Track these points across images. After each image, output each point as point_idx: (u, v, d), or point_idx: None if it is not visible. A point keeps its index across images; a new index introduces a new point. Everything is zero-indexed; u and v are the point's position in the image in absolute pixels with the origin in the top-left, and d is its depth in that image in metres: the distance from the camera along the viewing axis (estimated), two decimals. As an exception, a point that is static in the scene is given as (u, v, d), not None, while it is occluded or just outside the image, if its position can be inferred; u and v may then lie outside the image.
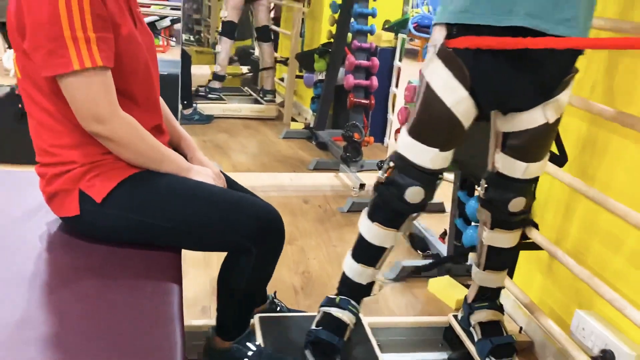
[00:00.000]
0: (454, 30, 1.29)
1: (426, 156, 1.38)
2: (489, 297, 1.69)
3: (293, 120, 4.56)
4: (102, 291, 1.08)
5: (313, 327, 1.59)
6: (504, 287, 1.73)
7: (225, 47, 4.63)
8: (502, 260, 1.65)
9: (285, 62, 4.50)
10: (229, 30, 4.62)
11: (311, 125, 4.01)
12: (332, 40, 3.78)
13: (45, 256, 1.19)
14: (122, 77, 1.20)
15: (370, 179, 3.19)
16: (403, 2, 4.58)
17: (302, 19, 4.32)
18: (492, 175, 1.51)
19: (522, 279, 1.93)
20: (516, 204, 1.48)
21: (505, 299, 1.88)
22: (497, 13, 1.22)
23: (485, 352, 1.62)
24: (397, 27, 3.95)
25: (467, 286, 2.02)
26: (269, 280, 1.48)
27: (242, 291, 1.41)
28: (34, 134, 1.24)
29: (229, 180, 1.48)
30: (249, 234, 1.27)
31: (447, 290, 2.18)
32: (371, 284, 1.60)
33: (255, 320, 1.68)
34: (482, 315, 1.67)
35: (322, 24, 4.11)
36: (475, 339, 1.66)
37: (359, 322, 1.67)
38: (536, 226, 1.73)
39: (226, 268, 1.39)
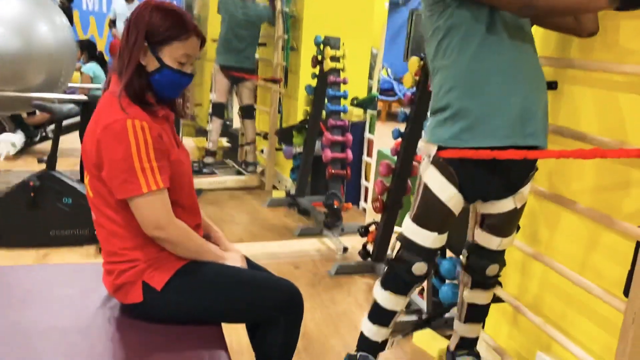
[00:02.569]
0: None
1: (428, 238, 1.74)
2: (468, 345, 2.03)
3: (274, 187, 4.92)
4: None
5: None
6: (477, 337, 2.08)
7: (215, 126, 5.03)
8: (480, 314, 2.01)
9: (265, 136, 4.90)
10: (219, 110, 5.03)
11: (292, 193, 4.37)
12: (308, 117, 4.20)
13: (117, 335, 1.48)
14: (174, 191, 1.54)
15: (351, 241, 3.59)
16: (368, 77, 5.05)
17: (280, 98, 4.75)
18: (472, 246, 1.89)
19: (492, 328, 2.28)
20: (492, 269, 1.86)
21: (479, 347, 2.22)
22: (479, 137, 1.59)
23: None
24: (365, 104, 4.40)
25: (447, 337, 2.36)
26: (295, 349, 1.71)
27: None
28: (104, 241, 1.56)
29: (247, 260, 1.80)
30: (277, 305, 1.59)
31: (430, 342, 2.50)
32: (385, 341, 1.92)
33: None
34: (463, 361, 2.01)
35: (299, 102, 4.54)
36: (458, 383, 2.00)
37: None
38: (500, 285, 2.10)
39: (261, 346, 1.66)
